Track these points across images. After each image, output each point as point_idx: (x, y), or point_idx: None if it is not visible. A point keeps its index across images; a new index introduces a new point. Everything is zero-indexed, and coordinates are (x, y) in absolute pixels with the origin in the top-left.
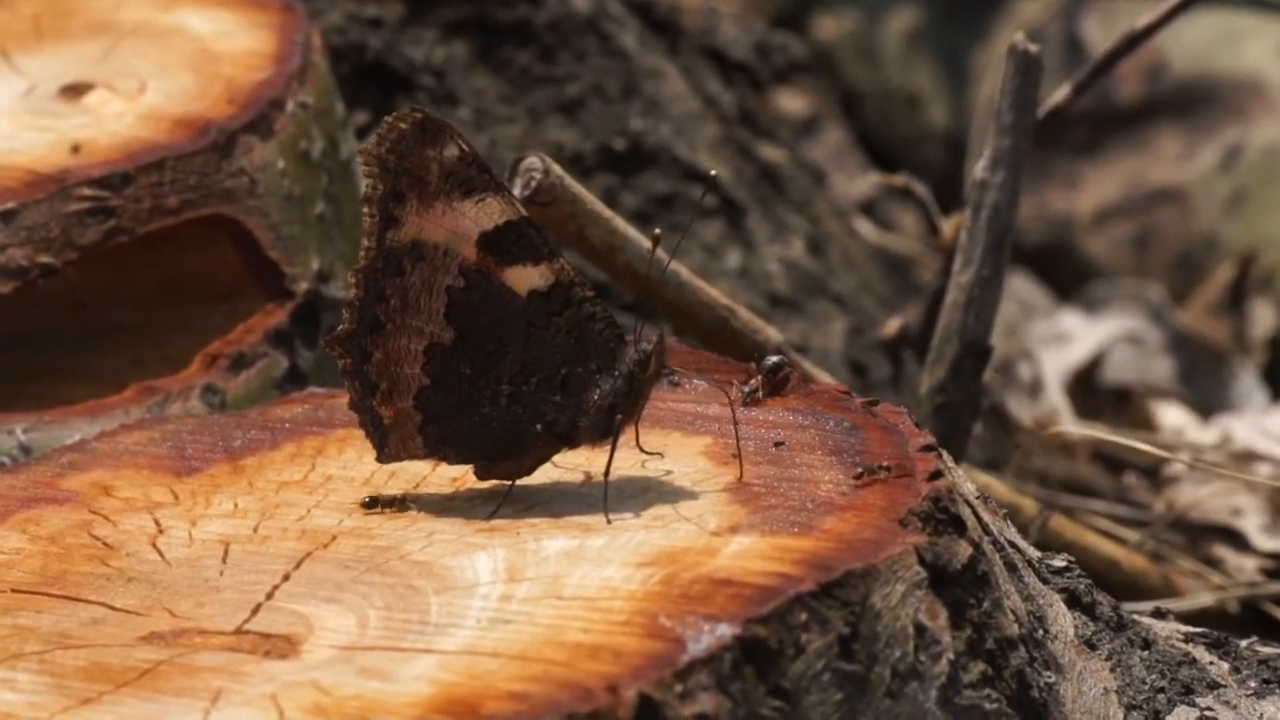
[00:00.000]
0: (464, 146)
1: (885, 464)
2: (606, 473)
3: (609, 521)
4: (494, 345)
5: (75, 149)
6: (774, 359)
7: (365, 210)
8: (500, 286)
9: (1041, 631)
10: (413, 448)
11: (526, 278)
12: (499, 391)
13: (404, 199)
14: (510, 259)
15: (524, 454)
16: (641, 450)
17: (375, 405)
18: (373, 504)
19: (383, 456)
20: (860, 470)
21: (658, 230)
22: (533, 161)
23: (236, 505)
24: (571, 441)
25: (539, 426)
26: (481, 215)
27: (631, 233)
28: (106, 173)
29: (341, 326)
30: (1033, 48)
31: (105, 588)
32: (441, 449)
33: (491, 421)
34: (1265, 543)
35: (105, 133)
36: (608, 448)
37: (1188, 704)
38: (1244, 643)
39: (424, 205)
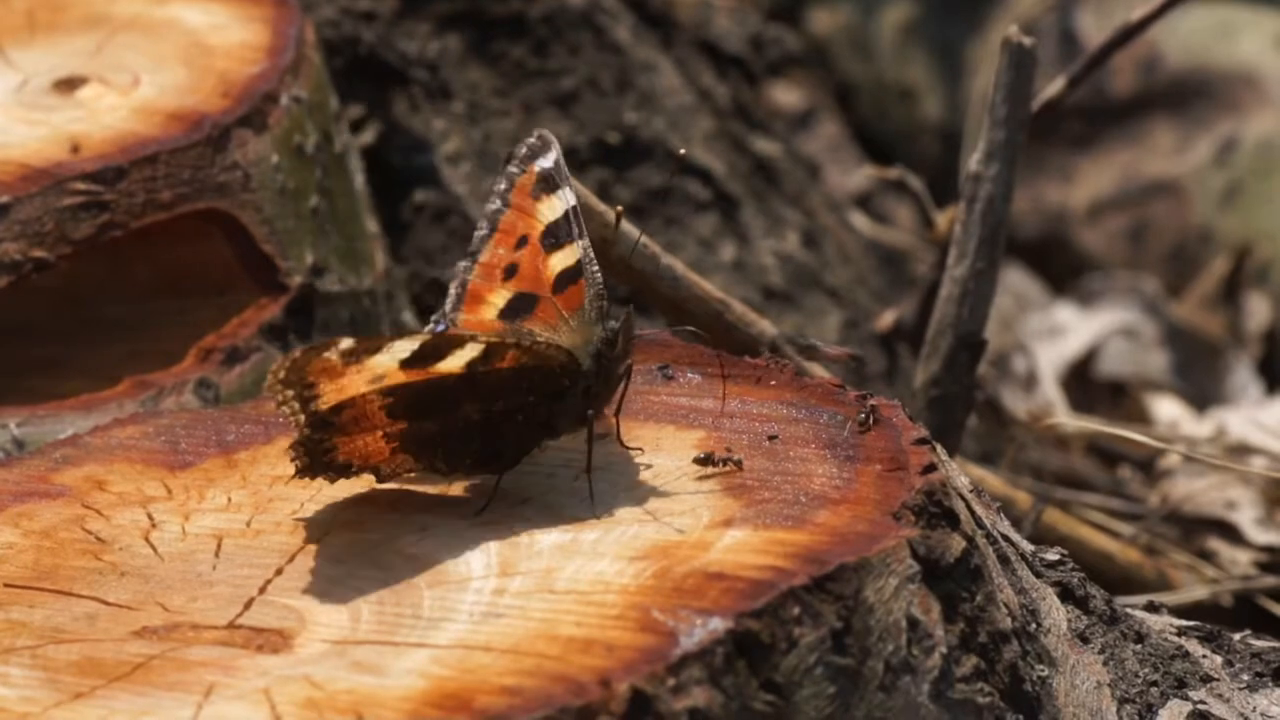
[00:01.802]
0: None
1: (729, 456)
2: (588, 465)
3: (597, 516)
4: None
5: (75, 149)
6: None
7: None
8: None
9: (1034, 625)
10: (404, 469)
11: None
12: (471, 410)
13: None
14: None
15: (506, 446)
16: (622, 445)
17: (355, 474)
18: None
19: (380, 480)
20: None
21: (619, 207)
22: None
23: (230, 499)
24: (552, 430)
25: (519, 416)
26: None
27: (598, 205)
28: (100, 167)
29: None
30: (1027, 41)
31: (98, 582)
32: (434, 465)
33: (473, 432)
34: (1259, 536)
35: (98, 126)
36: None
37: (1181, 697)
38: (1237, 636)
39: None
